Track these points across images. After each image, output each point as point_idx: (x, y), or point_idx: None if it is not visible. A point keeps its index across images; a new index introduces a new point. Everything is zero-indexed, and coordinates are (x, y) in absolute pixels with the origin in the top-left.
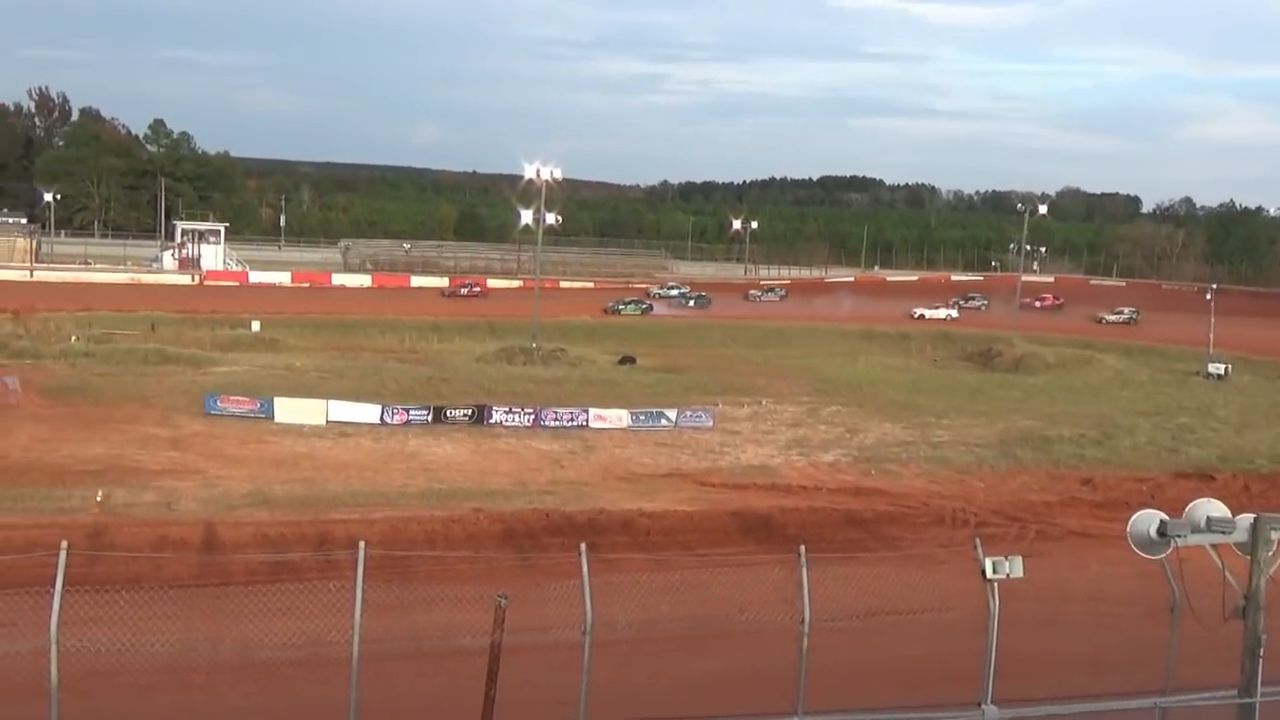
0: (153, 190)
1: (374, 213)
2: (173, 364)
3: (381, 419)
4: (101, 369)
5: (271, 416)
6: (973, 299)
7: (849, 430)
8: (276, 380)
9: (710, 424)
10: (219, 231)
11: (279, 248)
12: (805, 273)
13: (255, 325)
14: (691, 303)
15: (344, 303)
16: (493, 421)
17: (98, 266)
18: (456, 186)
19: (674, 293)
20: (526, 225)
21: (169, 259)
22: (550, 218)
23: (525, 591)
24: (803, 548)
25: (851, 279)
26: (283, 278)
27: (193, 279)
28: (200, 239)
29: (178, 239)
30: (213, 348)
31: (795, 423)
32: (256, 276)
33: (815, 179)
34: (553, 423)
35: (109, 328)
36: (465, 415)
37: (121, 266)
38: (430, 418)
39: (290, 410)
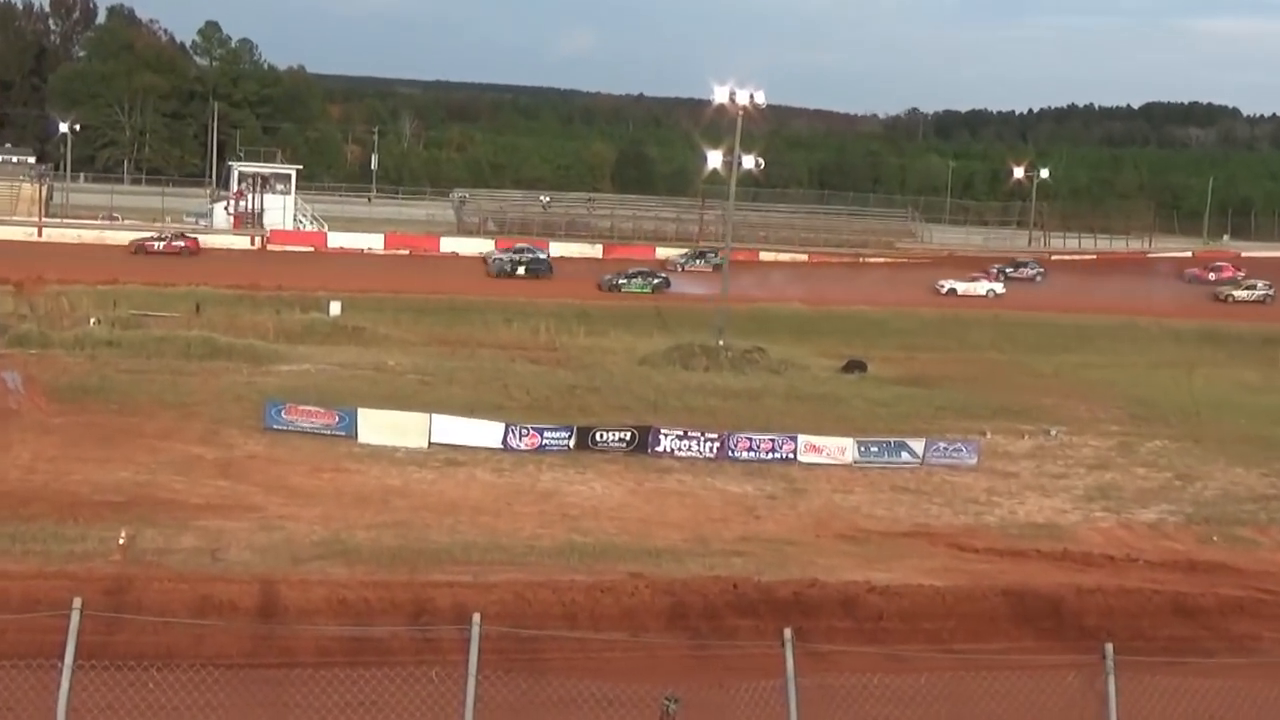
0: (202, 119)
1: (500, 152)
2: (223, 358)
3: (505, 442)
4: (129, 364)
5: (354, 435)
6: (1023, 266)
7: (1180, 476)
8: (362, 384)
9: (974, 461)
10: (289, 177)
11: (369, 200)
12: (1120, 244)
13: (335, 307)
14: (521, 270)
15: (457, 278)
16: (660, 450)
17: (126, 223)
18: (616, 116)
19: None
20: (715, 172)
21: (221, 214)
22: (748, 161)
23: (703, 693)
24: (1109, 646)
25: (1189, 254)
26: (374, 241)
27: (253, 242)
28: (263, 186)
29: (233, 186)
30: (277, 337)
31: (1099, 463)
32: (338, 239)
33: (1136, 107)
34: (745, 454)
35: (140, 307)
36: (622, 440)
37: (158, 223)
38: (573, 442)
39: (380, 427)
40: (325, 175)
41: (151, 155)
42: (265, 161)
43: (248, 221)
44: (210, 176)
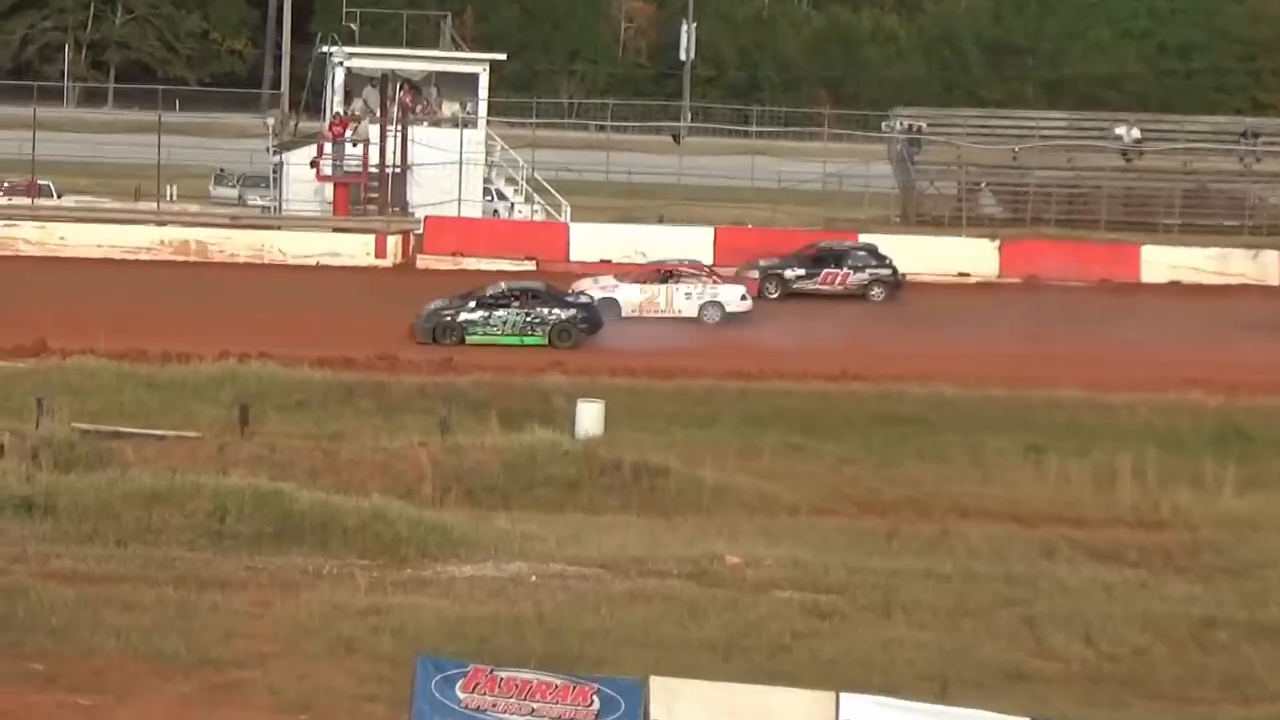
0: None
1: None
2: (308, 545)
3: None
4: (75, 557)
5: None
6: (831, 265)
7: None
8: (656, 616)
9: None
10: (472, 81)
11: (676, 139)
12: None
13: (587, 415)
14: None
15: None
16: None
17: (72, 204)
18: None
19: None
20: None
21: (301, 177)
22: None
23: None
24: None
25: None
26: (690, 242)
27: (381, 249)
28: (410, 107)
29: (331, 106)
30: (443, 492)
31: None
32: (594, 239)
33: None
34: None
35: (103, 414)
36: None
37: (146, 203)
38: None
39: None
40: (563, 79)
41: (129, 33)
42: (411, 48)
43: (364, 198)
44: (277, 82)
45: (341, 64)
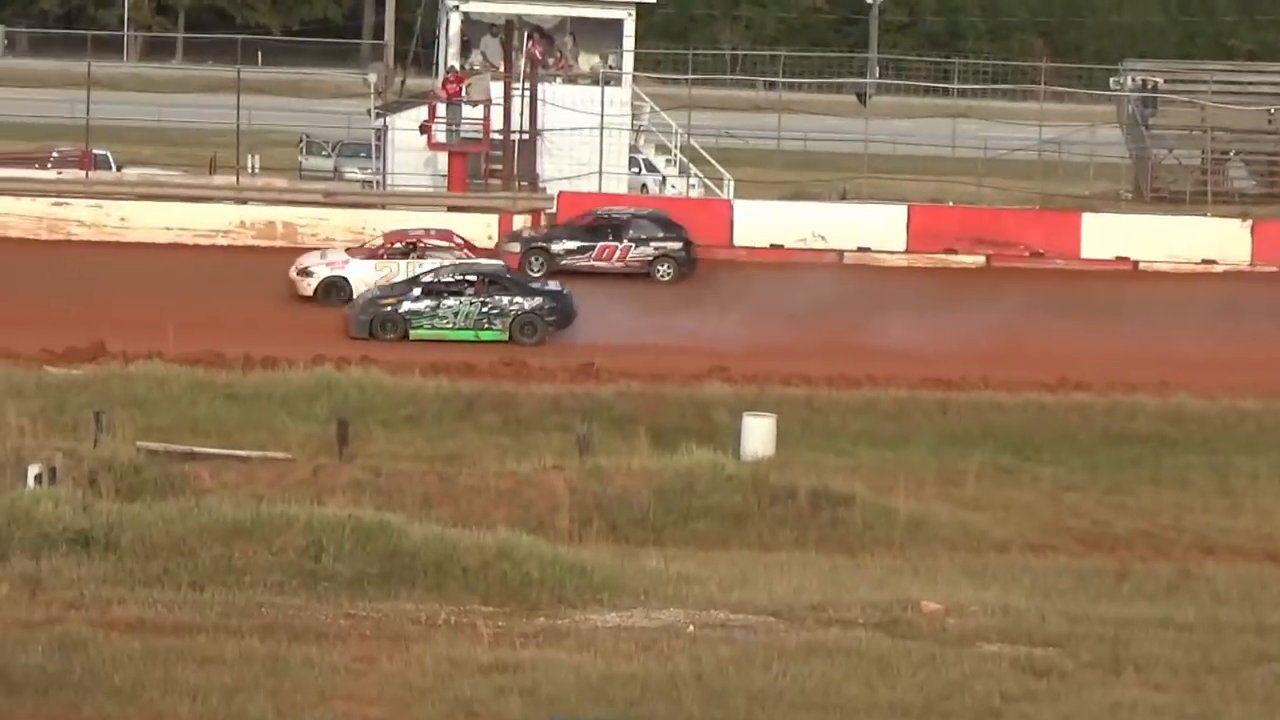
0: None
1: None
2: (420, 588)
3: None
4: (141, 602)
5: None
6: (607, 233)
7: None
8: (841, 676)
9: None
10: (615, 28)
11: (860, 100)
12: None
13: (755, 431)
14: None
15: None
16: None
17: (135, 178)
18: None
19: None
20: None
21: (408, 146)
22: None
23: None
24: None
25: None
26: (879, 220)
27: (507, 230)
28: (540, 58)
29: (445, 59)
30: (582, 521)
31: None
32: (764, 219)
33: None
34: None
35: (173, 431)
36: None
37: (218, 181)
38: None
39: None
40: (725, 27)
41: None
42: None
43: (485, 170)
44: (379, 31)
45: (457, 8)
